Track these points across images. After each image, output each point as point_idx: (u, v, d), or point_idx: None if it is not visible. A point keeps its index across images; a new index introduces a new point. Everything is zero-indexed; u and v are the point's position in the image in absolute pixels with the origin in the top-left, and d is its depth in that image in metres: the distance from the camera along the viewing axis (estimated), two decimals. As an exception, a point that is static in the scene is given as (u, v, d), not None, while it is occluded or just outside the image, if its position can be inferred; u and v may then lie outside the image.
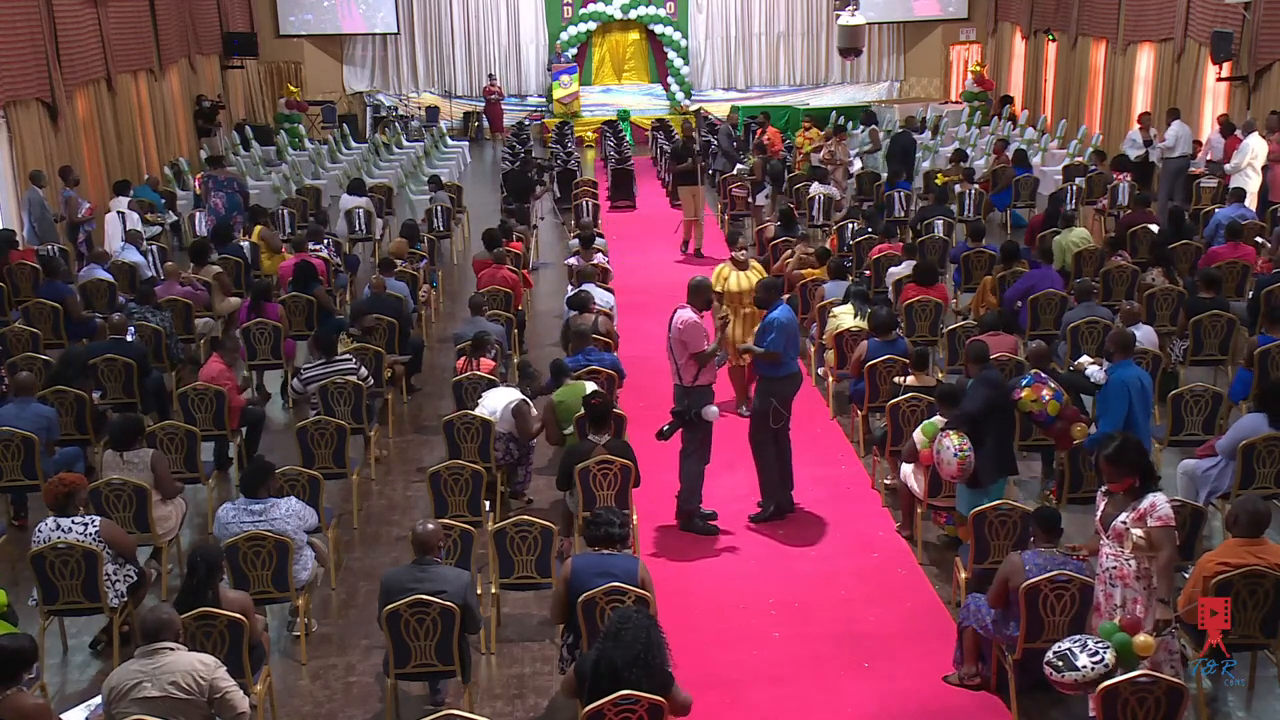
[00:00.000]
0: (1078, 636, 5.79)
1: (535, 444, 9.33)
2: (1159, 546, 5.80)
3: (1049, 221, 14.32)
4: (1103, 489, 6.13)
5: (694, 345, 8.56)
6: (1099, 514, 6.05)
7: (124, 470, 8.03)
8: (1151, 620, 5.77)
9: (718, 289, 10.53)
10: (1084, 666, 5.55)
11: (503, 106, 28.52)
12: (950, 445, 7.45)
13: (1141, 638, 5.62)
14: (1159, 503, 5.85)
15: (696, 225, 17.02)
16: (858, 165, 20.01)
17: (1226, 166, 15.49)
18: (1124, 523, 5.84)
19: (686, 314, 8.68)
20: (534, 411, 9.12)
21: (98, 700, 5.78)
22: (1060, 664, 5.62)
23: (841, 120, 24.43)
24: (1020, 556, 6.41)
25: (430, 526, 6.48)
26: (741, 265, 10.91)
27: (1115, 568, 5.90)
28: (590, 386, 8.86)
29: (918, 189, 18.61)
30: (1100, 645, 5.63)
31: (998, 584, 6.44)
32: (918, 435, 7.98)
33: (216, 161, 18.24)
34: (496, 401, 9.03)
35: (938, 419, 7.93)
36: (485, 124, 28.67)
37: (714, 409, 8.62)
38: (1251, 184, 14.80)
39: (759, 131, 21.70)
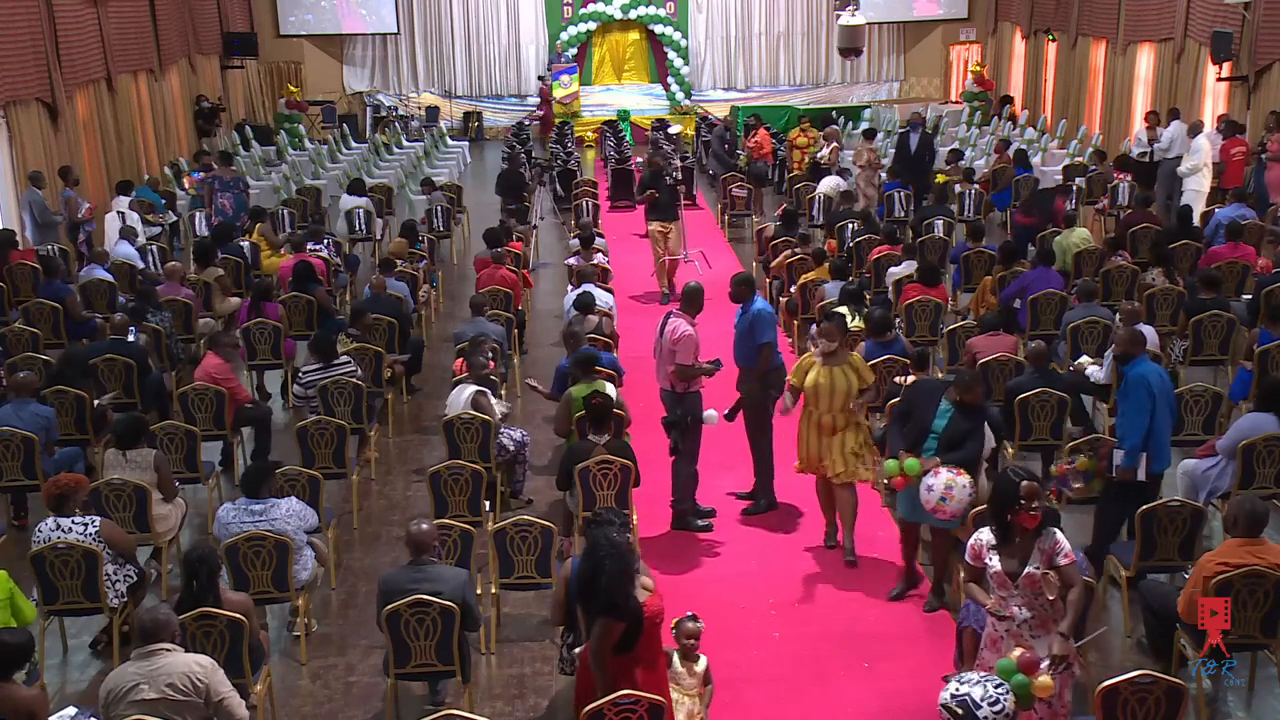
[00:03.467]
0: (975, 679, 5.55)
1: (529, 441, 9.33)
2: (1072, 582, 5.67)
3: (1040, 217, 14.27)
4: (990, 543, 5.82)
5: (681, 358, 8.49)
6: (993, 572, 5.78)
7: (126, 469, 8.04)
8: (1049, 657, 5.60)
9: (793, 380, 8.34)
10: (985, 717, 5.42)
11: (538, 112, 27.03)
12: (964, 485, 7.16)
13: (1041, 679, 5.52)
14: (1061, 539, 5.72)
15: (665, 267, 14.64)
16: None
17: (1181, 169, 15.53)
18: (1038, 568, 5.67)
19: (681, 325, 8.56)
20: (492, 400, 9.13)
21: (71, 711, 5.72)
22: (960, 711, 5.46)
23: (851, 125, 24.34)
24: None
25: (424, 526, 6.48)
26: (832, 358, 8.17)
27: (1033, 616, 5.72)
28: (610, 388, 8.85)
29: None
30: (1000, 691, 5.47)
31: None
32: (890, 465, 7.59)
33: (227, 158, 18.22)
34: (460, 398, 9.05)
35: (914, 460, 7.42)
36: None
37: (713, 413, 8.59)
38: (1205, 184, 14.81)
39: (751, 134, 21.69)
